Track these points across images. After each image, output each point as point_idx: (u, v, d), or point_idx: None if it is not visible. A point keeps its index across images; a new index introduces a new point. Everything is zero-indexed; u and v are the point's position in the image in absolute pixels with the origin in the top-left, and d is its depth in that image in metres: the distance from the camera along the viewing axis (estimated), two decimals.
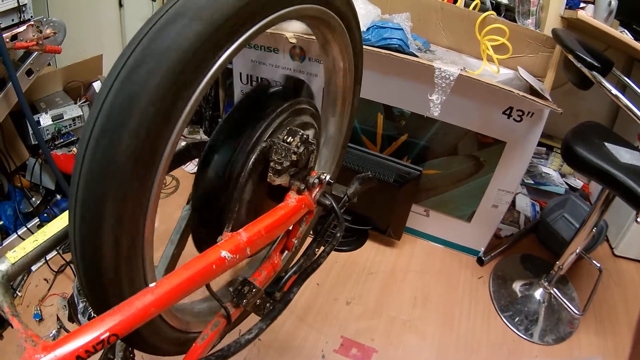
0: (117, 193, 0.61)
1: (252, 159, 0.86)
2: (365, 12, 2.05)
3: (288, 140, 0.88)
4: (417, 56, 1.95)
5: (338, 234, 1.07)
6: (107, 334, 0.58)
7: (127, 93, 0.59)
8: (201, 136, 3.06)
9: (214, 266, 0.72)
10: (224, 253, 0.73)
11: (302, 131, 0.90)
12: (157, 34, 0.61)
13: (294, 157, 0.87)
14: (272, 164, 0.88)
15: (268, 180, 0.90)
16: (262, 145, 0.87)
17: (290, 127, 0.92)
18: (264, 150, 0.87)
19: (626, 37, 2.10)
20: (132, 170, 0.61)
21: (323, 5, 0.91)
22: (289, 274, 1.00)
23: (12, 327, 0.68)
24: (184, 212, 1.03)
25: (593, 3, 2.16)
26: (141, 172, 0.62)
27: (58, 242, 0.79)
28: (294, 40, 2.03)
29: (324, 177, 1.01)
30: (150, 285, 0.65)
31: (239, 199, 0.85)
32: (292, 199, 0.95)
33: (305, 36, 2.02)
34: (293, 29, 2.04)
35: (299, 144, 0.88)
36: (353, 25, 1.06)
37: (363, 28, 1.99)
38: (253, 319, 0.98)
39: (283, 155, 0.87)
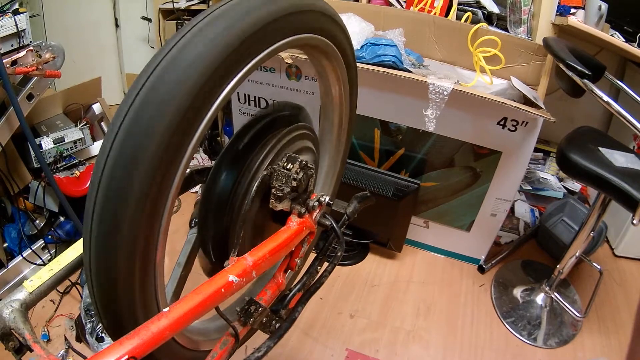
0: (131, 223, 0.64)
1: (254, 187, 0.88)
2: (359, 29, 2.08)
3: (288, 167, 0.91)
4: (411, 72, 1.97)
5: (339, 253, 1.09)
6: (127, 356, 0.60)
7: (136, 132, 0.62)
8: (201, 155, 3.08)
9: (222, 290, 0.74)
10: (231, 277, 0.76)
11: (300, 157, 0.93)
12: (156, 82, 0.63)
13: (294, 183, 0.90)
14: (273, 190, 0.91)
15: (270, 206, 0.93)
16: (263, 174, 0.89)
17: (289, 154, 0.94)
18: (265, 178, 0.90)
19: (617, 39, 2.13)
20: (145, 200, 0.64)
21: (322, 35, 0.94)
22: (293, 292, 1.03)
23: (30, 351, 0.71)
24: (190, 236, 1.06)
25: (583, 8, 2.18)
26: (153, 202, 0.66)
27: (72, 270, 0.81)
28: (289, 60, 2.06)
29: (323, 200, 1.03)
30: (164, 309, 0.67)
31: (243, 225, 0.88)
32: (293, 222, 0.97)
33: (301, 56, 2.05)
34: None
35: (299, 169, 0.91)
36: (348, 52, 1.09)
37: (357, 46, 2.02)
38: (260, 335, 1.01)
39: (283, 182, 0.90)
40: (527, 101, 1.98)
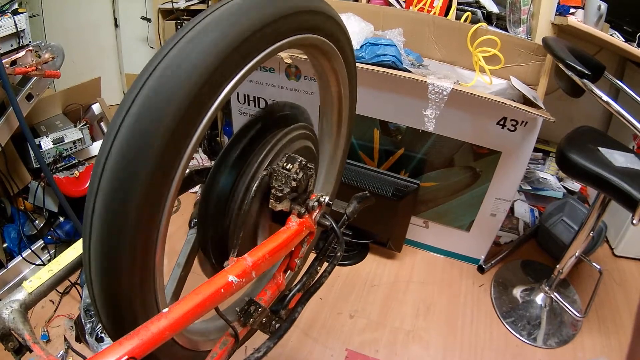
0: (130, 224, 0.64)
1: (254, 188, 0.88)
2: (359, 29, 2.08)
3: (287, 167, 0.90)
4: (410, 72, 1.97)
5: (339, 253, 1.09)
6: (126, 356, 0.60)
7: (135, 132, 0.61)
8: (200, 155, 3.08)
9: (222, 290, 0.74)
10: (231, 278, 0.76)
11: (300, 157, 0.93)
12: (156, 82, 0.63)
13: (294, 184, 0.90)
14: (273, 191, 0.91)
15: (270, 206, 0.93)
16: (263, 174, 0.89)
17: (289, 154, 0.94)
18: (265, 179, 0.90)
19: (616, 39, 2.13)
20: (145, 200, 0.64)
21: (321, 35, 0.94)
22: (292, 292, 1.03)
23: (30, 352, 0.71)
24: (189, 236, 1.06)
25: (583, 8, 2.18)
26: (152, 203, 0.66)
27: (72, 270, 0.81)
28: (289, 61, 2.06)
29: (323, 200, 1.03)
30: (164, 310, 0.67)
31: (242, 225, 0.88)
32: (293, 222, 0.97)
33: (300, 56, 2.04)
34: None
35: (298, 170, 0.91)
36: (348, 52, 1.09)
37: (357, 45, 2.03)
38: (259, 335, 1.01)
39: (283, 182, 0.90)
40: (526, 101, 1.98)
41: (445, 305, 2.25)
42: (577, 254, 2.00)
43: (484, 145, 2.08)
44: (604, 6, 2.04)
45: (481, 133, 2.05)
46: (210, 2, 3.08)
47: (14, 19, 1.86)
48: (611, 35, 2.17)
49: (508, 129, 1.98)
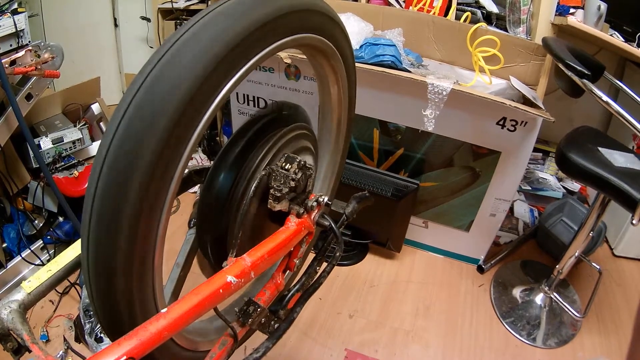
0: (129, 224, 0.63)
1: (253, 188, 0.88)
2: (358, 29, 2.08)
3: (286, 167, 0.90)
4: (410, 72, 1.97)
5: (338, 253, 1.09)
6: (125, 357, 0.60)
7: (133, 133, 0.61)
8: (200, 155, 3.08)
9: (220, 290, 0.74)
10: (229, 278, 0.76)
11: (299, 157, 0.93)
12: (154, 82, 0.62)
13: (293, 184, 0.89)
14: (271, 191, 0.90)
15: (268, 206, 0.92)
16: (262, 174, 0.89)
17: (288, 154, 0.94)
18: (264, 179, 0.90)
19: (616, 39, 2.13)
20: (143, 202, 0.64)
21: (321, 35, 0.94)
22: (291, 292, 1.02)
23: (29, 352, 0.70)
24: (188, 236, 1.06)
25: (582, 8, 2.18)
26: (151, 203, 0.65)
27: (71, 271, 0.81)
28: (288, 60, 2.06)
29: (322, 200, 1.03)
30: (163, 310, 0.67)
31: (241, 225, 0.88)
32: (292, 222, 0.97)
33: (300, 56, 2.05)
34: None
35: (297, 170, 0.90)
36: (347, 52, 1.09)
37: (356, 45, 2.02)
38: (259, 335, 1.01)
39: (282, 182, 0.89)
40: (526, 101, 1.98)
41: (444, 306, 2.24)
42: (576, 254, 2.00)
43: (484, 145, 2.07)
44: (603, 6, 2.04)
45: (481, 133, 2.04)
46: (209, 2, 3.08)
47: (13, 18, 1.86)
48: (611, 35, 2.17)
49: (508, 129, 1.97)
